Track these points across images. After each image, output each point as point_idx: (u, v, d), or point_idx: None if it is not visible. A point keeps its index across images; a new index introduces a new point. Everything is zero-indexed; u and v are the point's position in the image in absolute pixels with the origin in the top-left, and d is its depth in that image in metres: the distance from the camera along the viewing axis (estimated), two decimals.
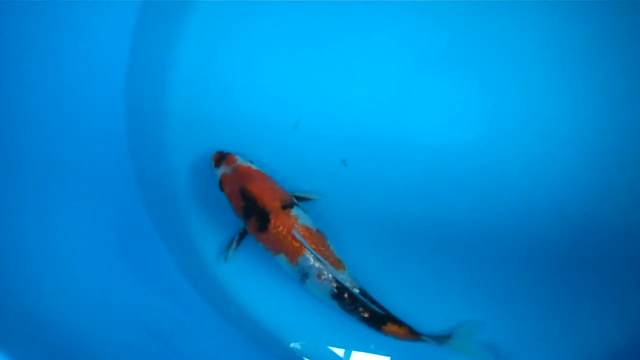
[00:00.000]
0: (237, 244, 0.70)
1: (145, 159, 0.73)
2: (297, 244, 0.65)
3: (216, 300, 0.71)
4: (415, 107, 0.75)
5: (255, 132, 0.74)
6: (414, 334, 0.66)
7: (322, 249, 0.66)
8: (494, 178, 0.74)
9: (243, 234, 0.70)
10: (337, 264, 0.66)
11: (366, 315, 0.65)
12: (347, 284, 0.65)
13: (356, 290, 0.65)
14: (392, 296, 0.70)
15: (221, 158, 0.70)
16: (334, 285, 0.65)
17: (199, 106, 0.74)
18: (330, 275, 0.64)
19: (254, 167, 0.69)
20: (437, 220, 0.73)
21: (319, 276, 0.65)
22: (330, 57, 0.76)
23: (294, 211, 0.67)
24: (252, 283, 0.72)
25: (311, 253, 0.65)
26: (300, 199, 0.70)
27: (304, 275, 0.65)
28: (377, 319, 0.65)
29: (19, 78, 0.64)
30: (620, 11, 0.76)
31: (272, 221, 0.65)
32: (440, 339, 0.67)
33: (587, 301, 0.71)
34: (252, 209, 0.66)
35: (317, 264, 0.65)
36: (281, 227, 0.65)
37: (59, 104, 0.67)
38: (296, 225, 0.66)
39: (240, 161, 0.69)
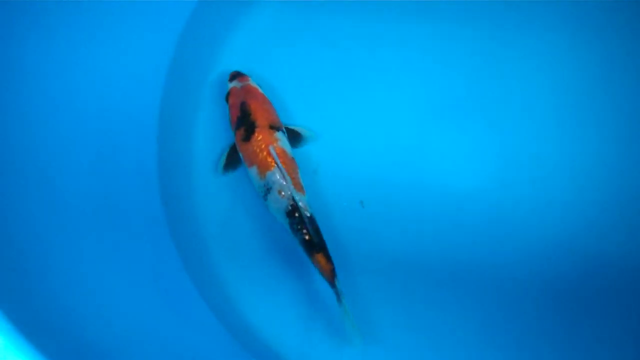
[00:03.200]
0: (226, 157, 0.76)
1: (175, 199, 0.77)
2: (270, 159, 0.71)
3: (240, 334, 0.74)
4: (429, 151, 0.79)
5: None
6: (332, 276, 0.68)
7: (290, 171, 0.71)
8: (506, 220, 0.77)
9: (231, 152, 0.76)
10: (299, 187, 0.71)
11: (307, 237, 0.69)
12: (301, 204, 0.69)
13: (307, 214, 0.70)
14: (402, 332, 0.73)
15: (236, 75, 0.78)
16: (291, 203, 0.70)
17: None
18: (289, 193, 0.70)
19: (260, 90, 0.77)
20: (450, 260, 0.75)
21: (279, 192, 0.70)
22: (348, 104, 0.80)
23: (278, 134, 0.74)
24: (276, 318, 0.74)
25: (279, 169, 0.70)
26: (291, 132, 0.77)
27: (267, 189, 0.71)
28: (313, 245, 0.69)
29: (50, 112, 0.67)
30: (634, 55, 0.80)
31: (256, 134, 0.73)
32: (339, 298, 0.68)
33: (594, 341, 0.73)
34: (245, 120, 0.74)
35: (281, 180, 0.71)
36: (261, 141, 0.72)
37: (88, 140, 0.70)
38: (274, 144, 0.72)
39: (251, 82, 0.78)
